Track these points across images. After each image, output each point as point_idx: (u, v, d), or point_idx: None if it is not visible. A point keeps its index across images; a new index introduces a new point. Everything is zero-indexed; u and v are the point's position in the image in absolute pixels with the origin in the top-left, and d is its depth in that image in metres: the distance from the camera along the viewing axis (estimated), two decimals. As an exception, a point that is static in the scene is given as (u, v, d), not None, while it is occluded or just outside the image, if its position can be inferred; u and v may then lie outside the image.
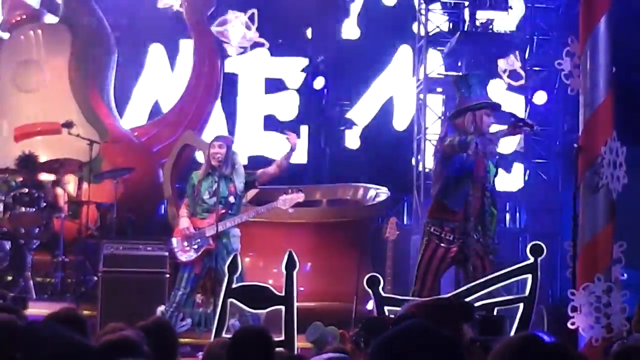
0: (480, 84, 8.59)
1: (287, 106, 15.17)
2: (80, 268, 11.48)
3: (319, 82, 15.08)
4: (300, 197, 9.71)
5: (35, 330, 3.20)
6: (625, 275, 7.60)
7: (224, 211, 9.46)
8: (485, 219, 8.36)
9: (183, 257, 9.46)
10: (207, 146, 9.99)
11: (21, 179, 11.60)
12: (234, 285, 7.10)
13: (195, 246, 9.44)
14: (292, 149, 9.73)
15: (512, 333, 6.95)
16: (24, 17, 13.97)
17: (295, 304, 7.05)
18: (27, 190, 11.37)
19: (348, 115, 15.28)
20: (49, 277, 11.77)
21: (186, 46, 14.74)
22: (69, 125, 11.70)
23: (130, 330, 5.28)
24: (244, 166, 10.06)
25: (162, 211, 13.51)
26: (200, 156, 12.29)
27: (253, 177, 9.79)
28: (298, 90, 15.25)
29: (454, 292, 7.62)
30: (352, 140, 15.28)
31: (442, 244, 8.39)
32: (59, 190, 11.79)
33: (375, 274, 7.57)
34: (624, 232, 7.76)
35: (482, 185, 8.35)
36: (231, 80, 14.87)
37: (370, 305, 9.02)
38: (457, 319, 4.68)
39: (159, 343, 4.74)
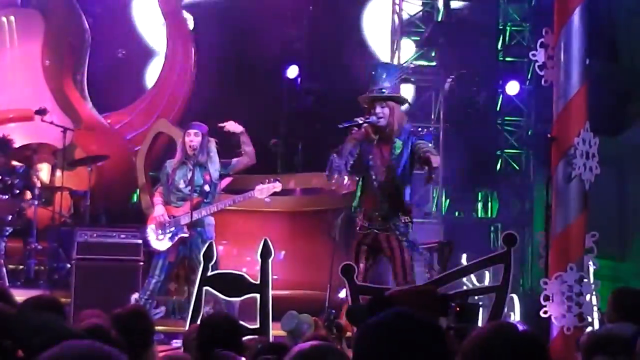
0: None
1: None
2: (53, 255, 11.45)
3: (292, 71, 15.08)
4: (277, 186, 9.74)
5: (27, 318, 3.22)
6: (597, 264, 7.67)
7: (199, 199, 9.46)
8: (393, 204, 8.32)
9: (158, 246, 9.46)
10: (180, 134, 10.00)
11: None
12: (209, 273, 7.14)
13: (170, 234, 9.44)
14: (242, 134, 9.66)
15: (486, 322, 7.03)
16: (-3, 2, 13.92)
17: (270, 292, 7.09)
18: (0, 177, 11.34)
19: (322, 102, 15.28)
20: (21, 265, 11.75)
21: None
22: (42, 112, 11.67)
23: (102, 317, 5.32)
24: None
25: (136, 199, 13.50)
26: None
27: (228, 167, 9.78)
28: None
29: (429, 281, 7.69)
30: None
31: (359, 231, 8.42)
32: (33, 177, 11.75)
33: (349, 263, 7.62)
34: (596, 222, 7.85)
35: (387, 167, 8.32)
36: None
37: (343, 293, 9.07)
38: (433, 310, 4.74)
39: (134, 330, 4.77)
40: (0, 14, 13.73)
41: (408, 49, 14.23)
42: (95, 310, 5.45)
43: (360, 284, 7.50)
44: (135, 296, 9.50)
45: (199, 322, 6.89)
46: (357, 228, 8.38)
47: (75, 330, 3.29)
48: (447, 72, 13.97)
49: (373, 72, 8.52)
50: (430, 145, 8.59)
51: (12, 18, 13.74)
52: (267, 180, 9.81)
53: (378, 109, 8.25)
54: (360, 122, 8.15)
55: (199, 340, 4.58)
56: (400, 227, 8.17)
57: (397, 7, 14.10)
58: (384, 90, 8.31)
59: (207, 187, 9.55)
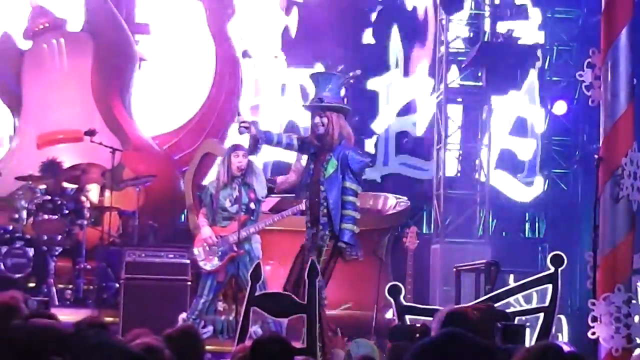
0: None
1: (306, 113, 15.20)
2: (102, 275, 11.54)
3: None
4: None
5: (84, 337, 3.26)
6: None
7: (245, 217, 9.50)
8: (319, 211, 8.39)
9: (207, 266, 9.50)
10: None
11: (44, 186, 11.73)
12: (256, 293, 7.16)
13: (219, 254, 9.48)
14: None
15: (533, 342, 7.00)
16: (47, 25, 14.09)
17: (317, 312, 7.10)
18: (50, 197, 11.49)
19: (370, 124, 15.31)
20: (71, 284, 11.87)
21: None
22: (91, 133, 11.78)
23: (152, 337, 5.35)
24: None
25: (183, 219, 13.58)
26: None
27: (273, 185, 9.83)
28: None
29: (476, 301, 7.66)
30: (371, 148, 15.32)
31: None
32: (82, 198, 11.88)
33: (396, 283, 7.62)
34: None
35: (318, 180, 8.38)
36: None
37: (390, 314, 9.08)
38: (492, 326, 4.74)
39: (185, 351, 4.80)
40: (51, 36, 13.90)
41: (454, 69, 14.25)
42: (144, 329, 5.49)
43: (407, 304, 7.51)
44: (183, 316, 9.54)
45: (246, 342, 6.95)
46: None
47: (131, 350, 3.33)
48: (493, 92, 13.97)
49: (314, 81, 8.54)
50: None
51: (62, 40, 13.91)
52: None
53: (317, 119, 8.31)
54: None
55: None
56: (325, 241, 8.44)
57: (443, 28, 14.11)
58: (322, 100, 8.33)
59: (252, 205, 9.58)
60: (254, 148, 8.51)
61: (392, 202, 12.57)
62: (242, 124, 8.35)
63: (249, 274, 7.25)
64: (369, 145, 15.22)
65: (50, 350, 3.15)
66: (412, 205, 12.99)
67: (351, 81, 8.68)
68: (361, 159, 8.46)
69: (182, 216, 13.94)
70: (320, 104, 8.30)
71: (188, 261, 10.48)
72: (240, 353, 5.22)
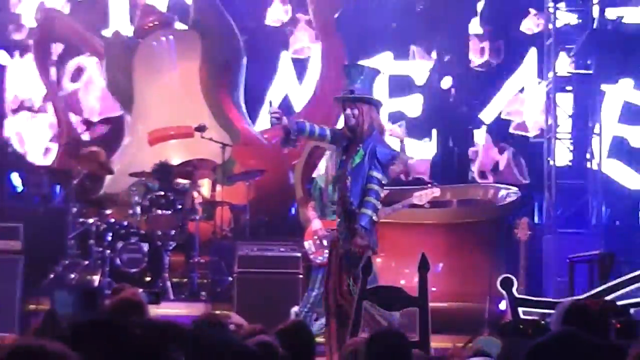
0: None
1: (412, 105, 15.18)
2: (215, 268, 11.71)
3: (446, 82, 15.10)
4: (435, 192, 9.71)
5: (202, 334, 3.31)
6: None
7: (355, 211, 9.51)
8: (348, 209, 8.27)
9: (318, 259, 9.56)
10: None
11: (157, 182, 11.93)
12: (368, 287, 7.19)
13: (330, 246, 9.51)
14: (402, 141, 9.70)
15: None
16: (156, 23, 14.31)
17: (429, 305, 7.10)
18: (163, 193, 11.69)
19: (479, 115, 15.19)
20: (185, 278, 12.07)
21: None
22: (201, 129, 11.95)
23: (263, 331, 5.41)
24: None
25: (294, 212, 13.66)
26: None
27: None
28: (423, 90, 15.24)
29: (591, 293, 7.58)
30: (480, 139, 15.21)
31: None
32: (194, 193, 12.06)
33: (509, 275, 7.56)
34: None
35: (345, 172, 8.30)
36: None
37: (503, 305, 9.01)
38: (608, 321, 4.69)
39: (296, 345, 4.83)
40: (160, 34, 14.12)
41: (563, 57, 14.05)
42: (258, 325, 5.56)
43: (520, 296, 7.46)
44: (295, 309, 9.63)
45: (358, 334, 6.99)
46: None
47: (247, 347, 3.38)
48: (603, 79, 13.76)
49: (346, 74, 8.48)
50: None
51: (171, 38, 14.12)
52: (425, 187, 9.83)
53: (348, 110, 8.24)
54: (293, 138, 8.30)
55: (368, 355, 4.59)
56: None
57: (551, 17, 13.91)
58: (353, 92, 8.29)
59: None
60: (286, 139, 8.53)
61: (503, 193, 12.46)
62: (273, 114, 8.34)
63: (360, 268, 7.28)
64: (479, 135, 15.14)
65: (169, 347, 3.20)
66: (523, 196, 12.83)
67: (380, 74, 8.74)
68: (388, 150, 8.47)
69: (292, 209, 14.04)
70: (351, 95, 8.30)
71: (299, 254, 10.59)
72: (351, 347, 5.24)
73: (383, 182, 8.34)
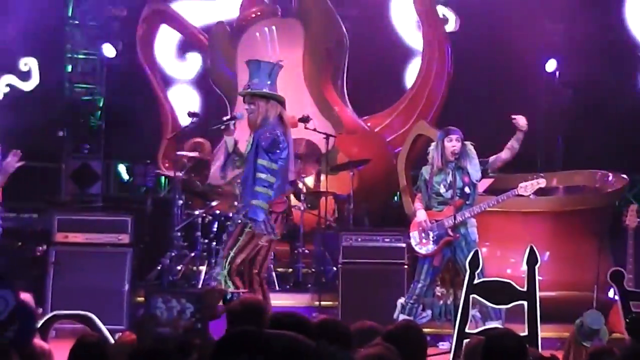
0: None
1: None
2: (319, 259, 11.75)
3: (551, 65, 14.88)
4: (541, 182, 9.58)
5: (325, 351, 3.29)
6: None
7: (460, 202, 9.46)
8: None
9: (423, 250, 9.52)
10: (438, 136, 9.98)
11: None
12: (475, 281, 7.13)
13: (434, 238, 9.48)
14: (522, 132, 9.64)
15: None
16: (259, 13, 14.37)
17: (538, 299, 7.01)
18: (267, 184, 11.76)
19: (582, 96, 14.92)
20: (290, 268, 12.13)
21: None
22: (305, 119, 11.98)
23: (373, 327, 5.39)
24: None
25: (398, 201, 13.62)
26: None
27: (486, 165, 9.75)
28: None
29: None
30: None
31: None
32: (298, 183, 12.11)
33: (619, 268, 7.45)
34: None
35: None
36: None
37: (611, 293, 8.89)
38: None
39: (408, 347, 4.81)
40: (263, 23, 14.18)
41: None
42: (367, 321, 5.56)
43: (632, 290, 7.33)
44: (401, 301, 9.60)
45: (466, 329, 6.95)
46: None
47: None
48: None
49: (249, 69, 8.77)
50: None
51: (273, 27, 14.16)
52: (530, 177, 9.72)
53: (246, 106, 8.64)
54: (225, 120, 8.71)
55: (484, 356, 4.54)
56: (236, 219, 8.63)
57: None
58: (249, 86, 8.60)
59: (467, 189, 9.55)
60: (224, 123, 8.79)
61: (611, 179, 12.23)
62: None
63: (467, 262, 7.22)
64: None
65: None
66: (631, 181, 12.58)
67: (278, 68, 8.85)
68: (269, 134, 8.59)
69: (395, 197, 14.00)
70: (247, 90, 8.64)
71: (404, 245, 10.56)
72: (475, 345, 5.19)
73: (271, 167, 8.60)
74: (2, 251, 10.82)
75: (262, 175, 8.47)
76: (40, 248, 10.67)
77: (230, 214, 11.70)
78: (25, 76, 14.42)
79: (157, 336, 4.64)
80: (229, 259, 8.61)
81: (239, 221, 8.66)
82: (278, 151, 8.68)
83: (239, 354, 3.17)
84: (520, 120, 9.63)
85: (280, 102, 8.75)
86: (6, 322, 4.00)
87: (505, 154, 9.72)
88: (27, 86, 14.35)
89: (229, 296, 4.31)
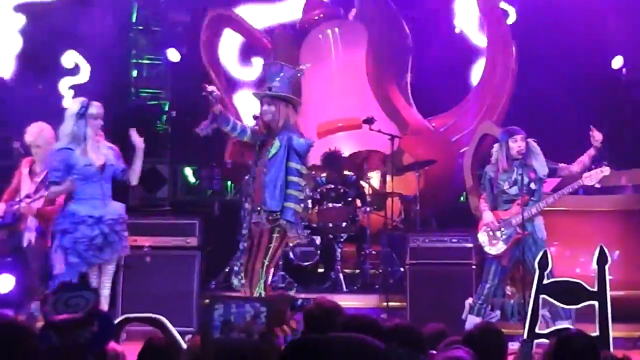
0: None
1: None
2: (386, 260, 11.73)
3: (617, 62, 14.71)
4: (605, 170, 9.45)
5: (396, 354, 3.29)
6: None
7: (526, 198, 9.41)
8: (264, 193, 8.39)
9: (493, 250, 9.48)
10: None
11: (326, 174, 12.05)
12: (545, 281, 7.09)
13: (504, 237, 9.43)
14: (596, 148, 9.48)
15: None
16: (322, 15, 14.42)
17: (609, 300, 6.95)
18: (333, 186, 11.80)
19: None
20: (357, 269, 12.14)
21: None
22: (369, 121, 11.97)
23: (459, 349, 5.36)
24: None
25: (464, 201, 13.56)
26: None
27: (554, 167, 9.67)
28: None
29: None
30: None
31: None
32: (363, 185, 12.12)
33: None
34: None
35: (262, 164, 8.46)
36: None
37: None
38: None
39: (488, 349, 4.77)
40: (326, 26, 14.22)
41: None
42: (439, 324, 5.56)
43: None
44: (469, 301, 9.57)
45: (537, 330, 6.90)
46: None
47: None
48: None
49: (265, 72, 8.73)
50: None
51: (336, 29, 14.20)
52: (593, 166, 9.60)
53: (265, 107, 8.47)
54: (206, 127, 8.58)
55: (555, 358, 4.49)
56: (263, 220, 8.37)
57: None
58: (271, 89, 8.47)
59: (533, 185, 9.49)
60: (207, 126, 8.68)
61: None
62: (214, 94, 8.49)
63: (537, 262, 7.18)
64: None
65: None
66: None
67: (299, 74, 8.73)
68: (305, 140, 8.53)
69: (461, 197, 13.94)
70: (268, 92, 8.49)
71: (471, 245, 10.51)
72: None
73: (302, 172, 8.51)
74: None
75: (295, 179, 8.48)
76: (146, 249, 10.75)
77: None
78: (74, 71, 14.53)
79: (232, 342, 4.66)
80: (264, 268, 8.61)
81: (264, 226, 8.57)
82: (307, 158, 8.76)
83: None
84: (597, 135, 9.48)
85: (296, 108, 8.77)
86: (84, 321, 4.05)
87: (575, 167, 9.60)
88: (81, 78, 14.44)
89: (298, 302, 4.30)
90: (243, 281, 8.34)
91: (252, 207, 8.47)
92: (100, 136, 8.61)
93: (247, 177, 8.93)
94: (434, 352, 4.81)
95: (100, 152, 8.55)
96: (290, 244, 8.97)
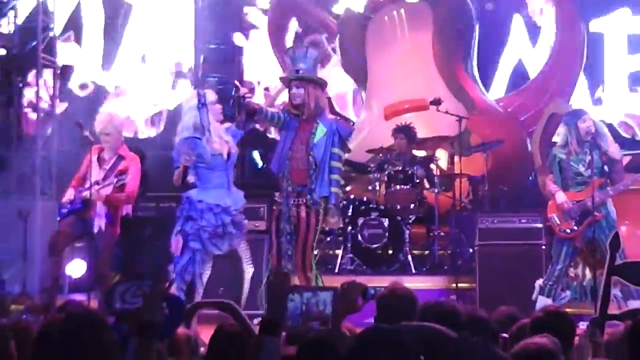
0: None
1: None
2: (455, 241, 11.69)
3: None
4: None
5: (467, 343, 3.27)
6: None
7: (601, 181, 9.32)
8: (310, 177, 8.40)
9: (565, 232, 9.41)
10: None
11: (396, 152, 12.03)
12: (617, 262, 7.01)
13: (577, 219, 9.36)
14: None
15: None
16: (387, -3, 14.37)
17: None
18: (401, 168, 11.79)
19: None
20: (425, 251, 12.11)
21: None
22: (437, 102, 11.93)
23: (542, 337, 5.31)
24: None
25: (533, 180, 13.42)
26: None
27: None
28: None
29: None
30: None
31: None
32: (432, 166, 12.09)
33: None
34: None
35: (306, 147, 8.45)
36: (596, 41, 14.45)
37: None
38: None
39: (559, 331, 4.71)
40: (391, 8, 14.17)
41: None
42: (510, 307, 5.51)
43: None
44: (539, 282, 9.51)
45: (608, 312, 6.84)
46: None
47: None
48: None
49: (290, 55, 8.72)
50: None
51: (402, 11, 14.14)
52: None
53: (294, 89, 8.50)
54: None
55: (629, 344, 4.38)
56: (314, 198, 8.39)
57: None
58: (299, 71, 8.49)
59: (606, 168, 9.41)
60: (248, 121, 8.62)
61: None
62: (244, 94, 8.48)
63: (608, 243, 7.11)
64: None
65: (435, 355, 3.20)
66: None
67: (320, 57, 8.74)
68: (348, 125, 8.70)
69: (529, 177, 13.80)
70: (297, 74, 8.51)
71: (541, 225, 10.44)
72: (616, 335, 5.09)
73: (342, 157, 8.63)
74: (146, 245, 11.07)
75: (337, 164, 8.55)
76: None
77: (365, 198, 11.79)
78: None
79: (307, 330, 4.67)
80: (314, 253, 8.66)
81: (311, 208, 8.56)
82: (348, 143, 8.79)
83: (378, 350, 3.19)
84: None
85: (325, 90, 8.79)
86: (154, 307, 4.07)
87: None
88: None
89: (371, 292, 4.30)
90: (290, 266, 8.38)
91: (293, 189, 8.50)
92: (219, 122, 8.69)
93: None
94: (505, 335, 4.78)
95: (223, 140, 8.63)
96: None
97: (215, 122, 8.57)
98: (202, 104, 8.44)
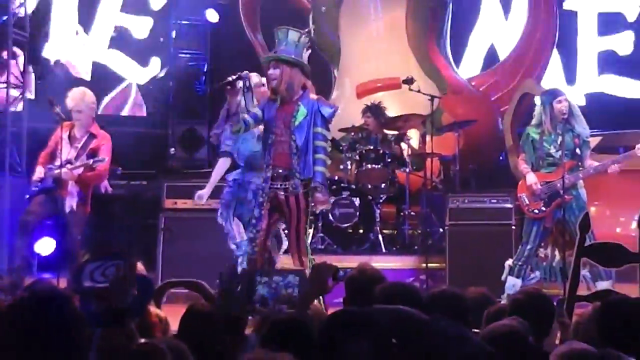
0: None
1: (623, 43, 14.63)
2: (426, 220, 11.71)
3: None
4: None
5: (439, 326, 3.28)
6: None
7: (572, 163, 9.34)
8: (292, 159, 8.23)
9: (533, 212, 9.44)
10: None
11: (366, 131, 12.02)
12: (586, 243, 7.04)
13: (546, 200, 9.39)
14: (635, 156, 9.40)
15: None
16: (361, -26, 14.30)
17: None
18: (372, 147, 11.77)
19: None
20: (395, 230, 12.13)
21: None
22: (409, 81, 11.89)
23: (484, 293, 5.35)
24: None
25: (504, 160, 13.47)
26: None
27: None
28: (635, 27, 14.64)
29: None
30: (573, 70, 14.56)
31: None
32: (403, 145, 12.07)
33: None
34: None
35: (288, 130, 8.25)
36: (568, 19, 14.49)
37: None
38: None
39: (537, 314, 4.73)
40: (365, -15, 14.12)
41: None
42: (480, 288, 5.53)
43: None
44: (509, 262, 9.54)
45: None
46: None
47: (485, 348, 3.31)
48: None
49: (276, 38, 8.50)
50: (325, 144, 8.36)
51: (376, -11, 14.09)
52: None
53: (270, 70, 8.31)
54: (230, 79, 8.18)
55: (598, 326, 4.39)
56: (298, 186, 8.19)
57: None
58: (275, 52, 8.37)
59: (577, 151, 9.43)
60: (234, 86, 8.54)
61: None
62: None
63: (578, 224, 7.12)
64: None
65: (407, 337, 3.19)
66: None
67: (305, 37, 8.56)
68: (331, 106, 8.51)
69: (500, 157, 13.84)
70: (273, 55, 8.42)
71: (511, 206, 10.48)
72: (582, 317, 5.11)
73: (328, 137, 8.46)
74: (116, 223, 11.04)
75: (322, 143, 8.44)
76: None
77: (336, 177, 11.76)
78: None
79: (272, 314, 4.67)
80: (307, 238, 8.64)
81: (297, 191, 8.51)
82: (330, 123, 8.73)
83: (349, 333, 3.18)
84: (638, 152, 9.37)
85: (305, 71, 8.61)
86: (124, 285, 4.04)
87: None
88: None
89: (341, 273, 4.27)
90: (256, 249, 8.29)
91: (275, 173, 8.40)
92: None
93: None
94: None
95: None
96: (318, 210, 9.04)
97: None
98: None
